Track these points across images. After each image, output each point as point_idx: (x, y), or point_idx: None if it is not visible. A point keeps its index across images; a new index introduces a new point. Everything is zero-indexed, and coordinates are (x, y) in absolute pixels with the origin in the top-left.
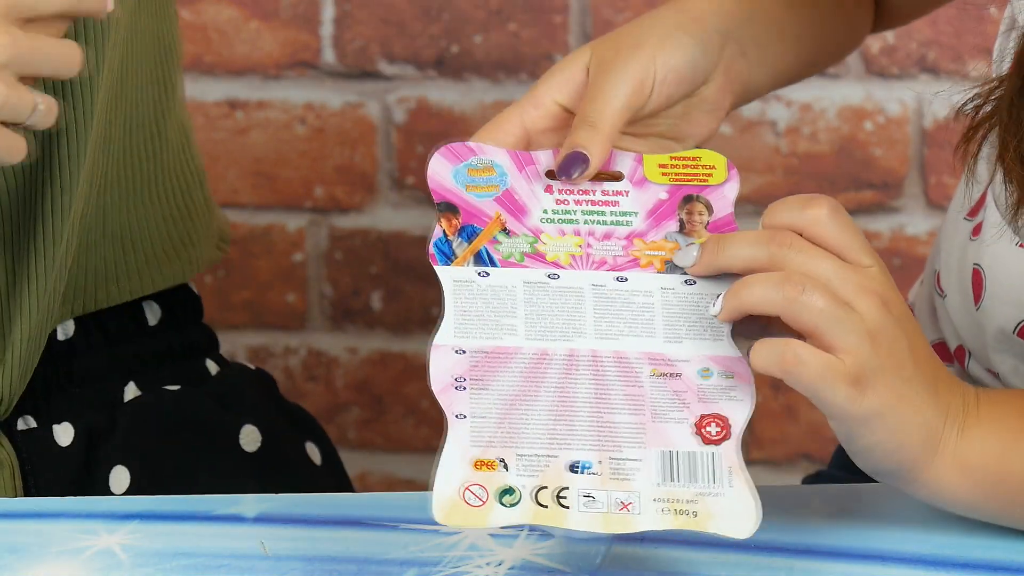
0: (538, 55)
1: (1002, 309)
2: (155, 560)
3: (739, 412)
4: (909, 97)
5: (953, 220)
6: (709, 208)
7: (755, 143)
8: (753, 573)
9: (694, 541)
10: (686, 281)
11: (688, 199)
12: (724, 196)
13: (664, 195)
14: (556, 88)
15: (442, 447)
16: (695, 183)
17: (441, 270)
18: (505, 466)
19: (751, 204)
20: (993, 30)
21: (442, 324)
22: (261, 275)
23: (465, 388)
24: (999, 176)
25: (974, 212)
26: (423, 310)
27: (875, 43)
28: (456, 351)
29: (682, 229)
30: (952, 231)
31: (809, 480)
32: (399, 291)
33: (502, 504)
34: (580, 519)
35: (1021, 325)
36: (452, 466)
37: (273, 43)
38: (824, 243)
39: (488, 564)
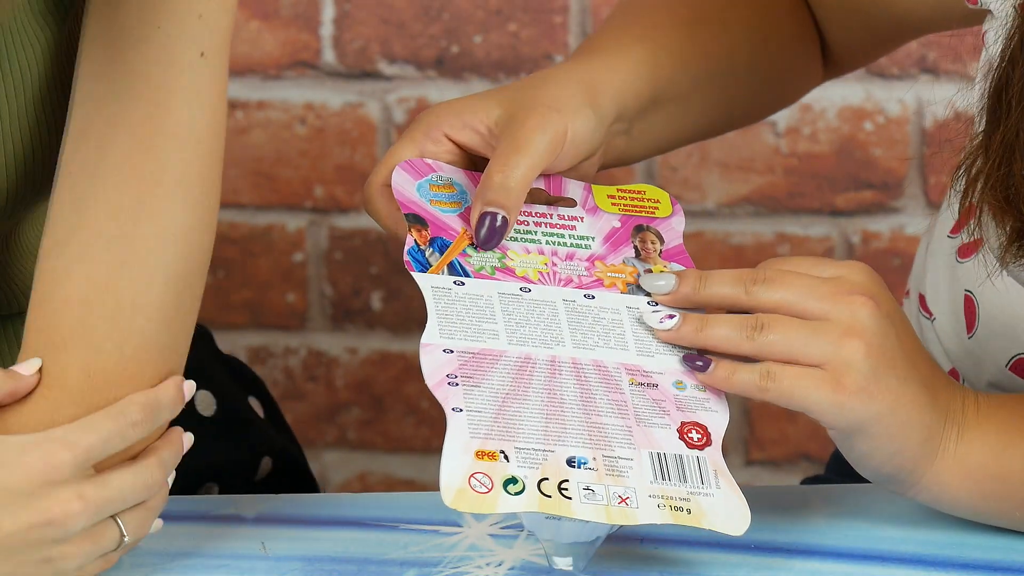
0: (538, 55)
1: (996, 341)
2: (155, 560)
3: (716, 422)
4: (909, 97)
5: (937, 238)
6: (660, 238)
7: (755, 143)
8: (753, 573)
9: (694, 541)
10: (650, 302)
11: (639, 228)
12: (672, 228)
13: (617, 223)
14: (456, 131)
15: (444, 438)
16: (644, 215)
17: (418, 276)
18: (506, 457)
19: (751, 204)
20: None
21: (427, 325)
22: (261, 275)
23: (458, 384)
24: (988, 217)
25: (956, 229)
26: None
27: None
28: (444, 350)
29: (638, 256)
30: (936, 248)
31: (807, 483)
32: (399, 291)
33: (507, 492)
34: (583, 509)
35: (1015, 359)
36: (455, 454)
37: (273, 43)
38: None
39: (488, 564)
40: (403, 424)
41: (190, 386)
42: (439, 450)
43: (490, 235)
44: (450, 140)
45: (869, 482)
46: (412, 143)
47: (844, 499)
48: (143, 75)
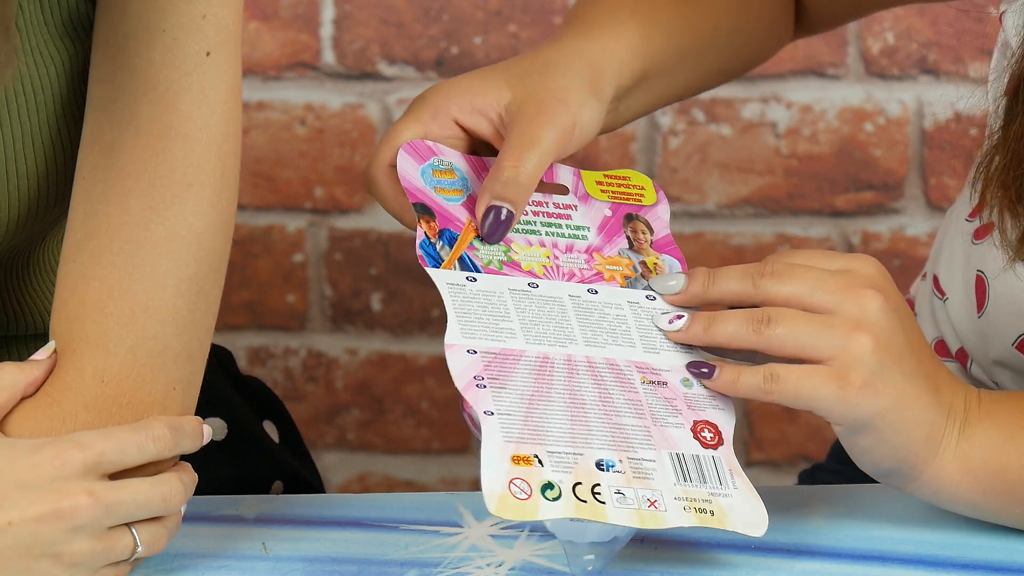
0: None
1: (1004, 319)
2: (155, 560)
3: (725, 419)
4: (909, 98)
5: (955, 222)
6: (649, 228)
7: (755, 144)
8: (753, 573)
9: (694, 542)
10: (648, 296)
11: (629, 217)
12: (659, 217)
13: (608, 212)
14: (466, 115)
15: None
16: (631, 202)
17: (433, 272)
18: (540, 462)
19: (751, 205)
20: (994, 31)
21: (448, 324)
22: (261, 276)
23: (486, 386)
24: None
25: (975, 213)
26: (423, 311)
27: (875, 44)
28: (468, 351)
29: (631, 247)
30: (954, 232)
31: (806, 473)
32: (399, 292)
33: (546, 498)
34: (618, 514)
35: (1022, 338)
36: (493, 460)
37: (273, 44)
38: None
39: (488, 565)
40: (403, 425)
41: (208, 431)
42: (439, 451)
43: (495, 228)
44: (458, 125)
45: (869, 482)
46: (418, 123)
47: (844, 499)
48: (149, 78)
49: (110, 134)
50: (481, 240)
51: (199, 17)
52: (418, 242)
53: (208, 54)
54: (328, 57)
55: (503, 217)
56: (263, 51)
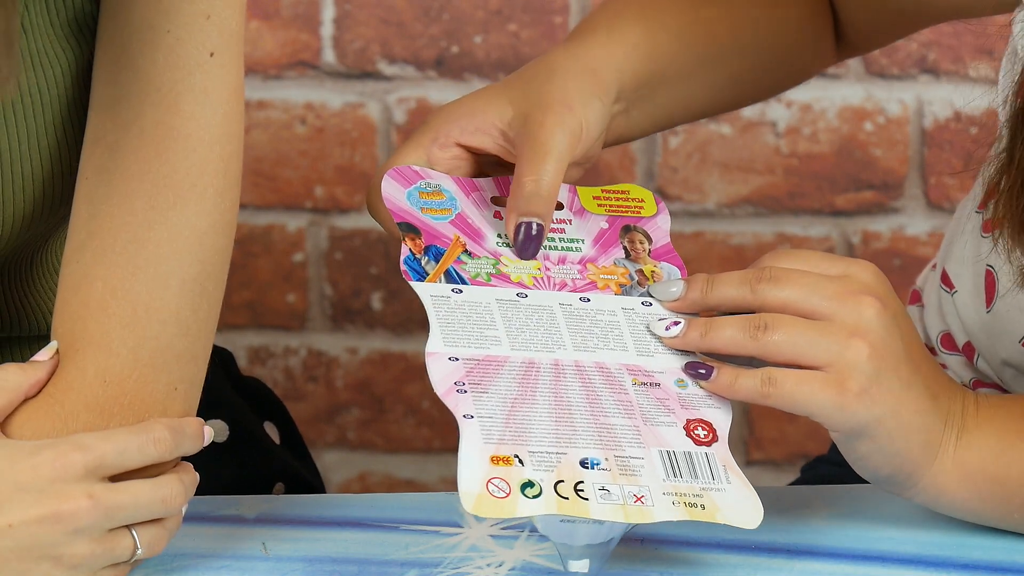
0: (538, 55)
1: (1013, 315)
2: (155, 560)
3: (721, 417)
4: (909, 97)
5: (966, 212)
6: (648, 237)
7: (755, 143)
8: (753, 573)
9: (694, 542)
10: (644, 303)
11: (627, 229)
12: (659, 227)
13: (605, 224)
14: (468, 135)
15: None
16: (630, 215)
17: (416, 286)
18: (520, 462)
19: (751, 205)
20: (994, 31)
21: (431, 334)
22: (261, 275)
23: (466, 391)
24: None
25: (983, 204)
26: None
27: None
28: (450, 358)
29: (628, 257)
30: (965, 222)
31: (808, 468)
32: (399, 291)
33: (525, 496)
34: (601, 509)
35: None
36: (470, 461)
37: (273, 43)
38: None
39: (489, 565)
40: (403, 424)
41: (209, 432)
42: (439, 450)
43: (527, 243)
44: (459, 146)
45: (869, 483)
46: (419, 148)
47: (844, 499)
48: (153, 78)
49: (113, 135)
50: (470, 255)
51: (203, 18)
52: (402, 258)
53: (211, 55)
54: (328, 56)
55: (534, 232)
56: (264, 50)
